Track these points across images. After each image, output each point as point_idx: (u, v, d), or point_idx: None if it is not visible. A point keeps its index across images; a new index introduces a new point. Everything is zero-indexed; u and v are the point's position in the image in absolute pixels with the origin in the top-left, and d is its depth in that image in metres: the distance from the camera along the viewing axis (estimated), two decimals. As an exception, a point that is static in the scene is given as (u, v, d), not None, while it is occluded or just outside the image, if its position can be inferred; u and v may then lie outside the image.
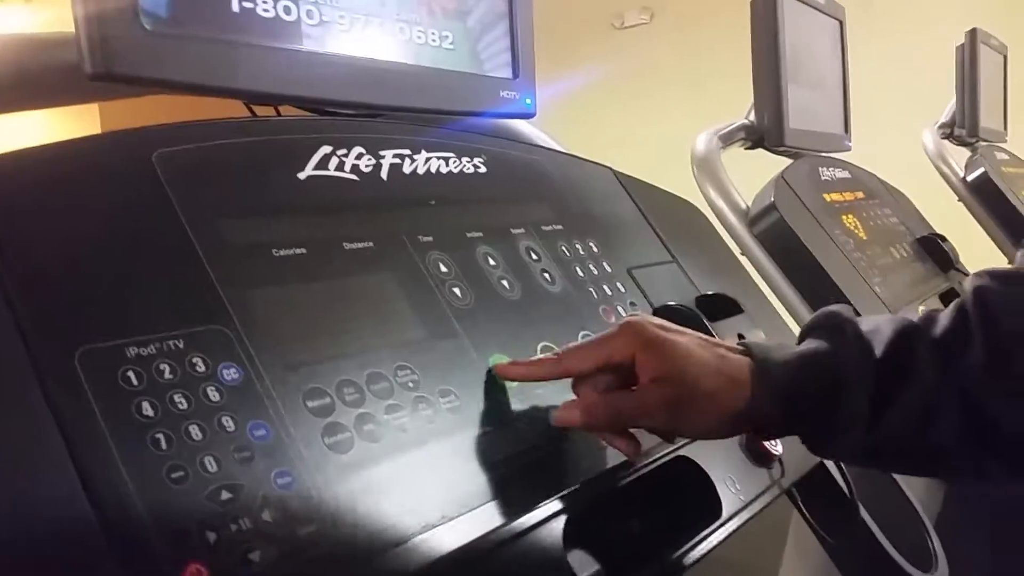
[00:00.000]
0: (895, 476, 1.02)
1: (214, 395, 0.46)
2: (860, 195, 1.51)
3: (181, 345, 0.47)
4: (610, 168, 0.93)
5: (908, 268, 1.46)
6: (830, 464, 0.82)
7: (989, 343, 0.57)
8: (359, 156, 0.65)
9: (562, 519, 0.57)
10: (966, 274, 1.60)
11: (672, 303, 0.80)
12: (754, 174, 1.33)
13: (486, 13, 0.80)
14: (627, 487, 0.64)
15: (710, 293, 0.85)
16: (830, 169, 1.46)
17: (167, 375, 0.46)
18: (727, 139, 1.32)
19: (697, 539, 0.65)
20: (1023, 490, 1.16)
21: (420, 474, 0.52)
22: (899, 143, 2.19)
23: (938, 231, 1.66)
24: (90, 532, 0.40)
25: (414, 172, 0.69)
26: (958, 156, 2.11)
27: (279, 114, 0.71)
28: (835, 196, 1.41)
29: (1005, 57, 2.31)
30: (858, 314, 0.63)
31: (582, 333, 0.71)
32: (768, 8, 1.31)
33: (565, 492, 0.58)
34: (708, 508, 0.68)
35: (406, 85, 0.72)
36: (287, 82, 0.63)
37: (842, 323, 0.61)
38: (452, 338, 0.61)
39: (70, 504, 0.40)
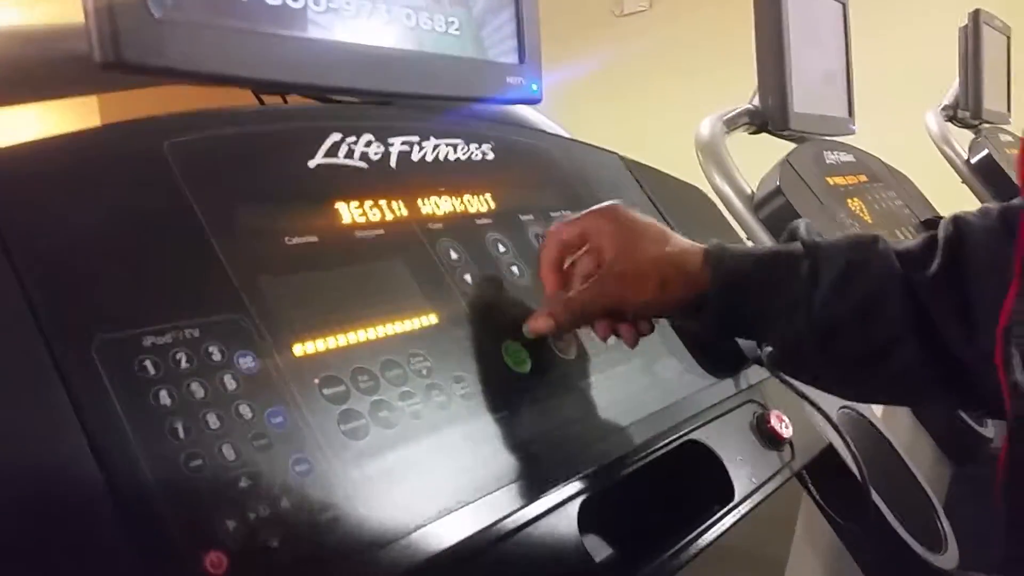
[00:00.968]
0: (902, 455, 1.02)
1: (231, 383, 0.47)
2: (864, 178, 1.51)
3: (197, 334, 0.47)
4: (616, 154, 0.93)
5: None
6: (840, 446, 0.82)
7: (947, 257, 0.60)
8: (368, 143, 0.65)
9: (577, 503, 0.58)
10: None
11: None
12: (752, 159, 1.32)
13: (492, -2, 0.79)
14: (640, 471, 0.65)
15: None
16: (834, 153, 1.46)
17: (184, 364, 0.46)
18: (731, 124, 1.32)
19: (711, 522, 0.66)
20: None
21: (435, 460, 0.53)
22: (902, 126, 2.18)
23: (942, 214, 1.65)
24: (110, 522, 0.40)
25: (423, 159, 0.69)
26: (961, 138, 2.10)
27: (285, 102, 0.71)
28: (840, 180, 1.41)
29: (1008, 38, 2.30)
30: None
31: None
32: (771, -9, 1.30)
33: (579, 476, 0.58)
34: (720, 491, 0.69)
35: (412, 71, 0.72)
36: (295, 69, 0.63)
37: (798, 234, 0.67)
38: (463, 325, 0.61)
39: (90, 494, 0.40)
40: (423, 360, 0.57)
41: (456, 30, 0.76)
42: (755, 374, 0.81)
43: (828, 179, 1.37)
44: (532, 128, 0.92)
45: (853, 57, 1.60)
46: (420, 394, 0.55)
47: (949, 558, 0.92)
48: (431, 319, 0.60)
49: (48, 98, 0.75)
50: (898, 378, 0.63)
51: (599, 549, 0.64)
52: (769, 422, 0.76)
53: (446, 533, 0.49)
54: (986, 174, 2.02)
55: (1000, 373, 0.55)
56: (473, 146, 0.74)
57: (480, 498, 0.52)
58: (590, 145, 0.91)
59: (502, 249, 0.69)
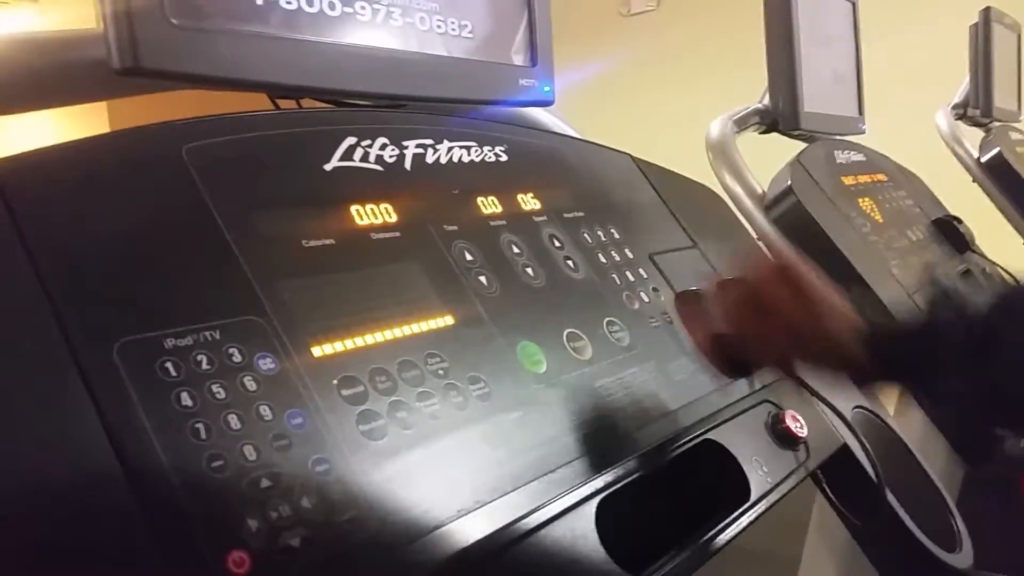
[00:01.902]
0: (916, 456, 1.02)
1: (251, 385, 0.47)
2: (876, 178, 1.50)
3: (217, 336, 0.47)
4: (628, 154, 0.93)
5: (924, 250, 1.45)
6: (855, 446, 0.82)
7: None
8: (383, 147, 0.66)
9: (594, 503, 0.58)
10: (982, 255, 1.60)
11: (696, 288, 0.80)
12: (760, 158, 1.32)
13: (504, 1, 0.80)
14: (657, 470, 0.65)
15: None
16: (845, 152, 1.46)
17: (204, 366, 0.46)
18: (741, 123, 1.32)
19: (728, 520, 0.66)
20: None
21: (453, 460, 0.53)
22: (913, 124, 2.17)
23: (953, 213, 1.65)
24: (133, 522, 0.40)
25: (437, 161, 0.70)
26: (972, 137, 2.09)
27: (300, 107, 0.72)
28: (851, 179, 1.40)
29: (1019, 36, 2.29)
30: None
31: (606, 319, 0.71)
32: (781, -9, 1.30)
33: (596, 476, 0.59)
34: (737, 490, 0.69)
35: (426, 75, 0.72)
36: (310, 74, 0.64)
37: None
38: (479, 326, 0.62)
39: (113, 495, 0.40)
40: (440, 361, 0.57)
41: (469, 33, 0.76)
42: (769, 374, 0.80)
43: (840, 179, 1.36)
44: (545, 130, 0.92)
45: (863, 56, 1.60)
46: (437, 395, 0.55)
47: (963, 557, 0.91)
48: (447, 320, 0.60)
49: (62, 104, 0.76)
50: None
51: (616, 548, 0.64)
52: (784, 422, 0.76)
53: (465, 533, 0.50)
54: (997, 173, 2.00)
55: None
56: (486, 148, 0.75)
57: (498, 498, 0.53)
58: (602, 146, 0.92)
59: (516, 250, 0.70)
